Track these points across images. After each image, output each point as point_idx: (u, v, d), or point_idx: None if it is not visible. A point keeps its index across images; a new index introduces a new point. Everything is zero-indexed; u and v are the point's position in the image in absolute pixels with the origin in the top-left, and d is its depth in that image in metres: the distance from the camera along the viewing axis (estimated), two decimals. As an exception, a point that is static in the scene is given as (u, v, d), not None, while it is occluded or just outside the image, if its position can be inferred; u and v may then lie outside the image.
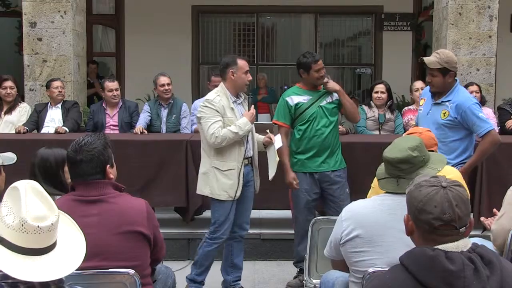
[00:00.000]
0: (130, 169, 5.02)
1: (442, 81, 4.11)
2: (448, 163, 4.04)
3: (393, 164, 2.55)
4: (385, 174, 2.60)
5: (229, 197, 4.13)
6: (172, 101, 6.14)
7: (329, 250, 2.69)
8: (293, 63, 5.64)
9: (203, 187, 4.16)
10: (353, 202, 2.66)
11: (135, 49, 10.51)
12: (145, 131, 5.76)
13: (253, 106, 4.28)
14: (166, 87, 6.06)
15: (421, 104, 4.39)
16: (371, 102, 6.18)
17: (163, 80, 6.09)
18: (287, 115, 4.52)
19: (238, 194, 4.14)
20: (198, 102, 6.22)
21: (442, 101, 4.18)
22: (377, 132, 6.02)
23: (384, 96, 6.07)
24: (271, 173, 4.26)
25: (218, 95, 4.10)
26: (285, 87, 11.46)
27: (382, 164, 2.66)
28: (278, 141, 4.33)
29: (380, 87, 6.15)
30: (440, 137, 4.08)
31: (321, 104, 4.52)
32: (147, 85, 7.78)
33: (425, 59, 4.08)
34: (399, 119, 6.07)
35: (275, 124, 4.57)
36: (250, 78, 4.22)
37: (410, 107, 6.27)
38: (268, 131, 4.38)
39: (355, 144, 5.04)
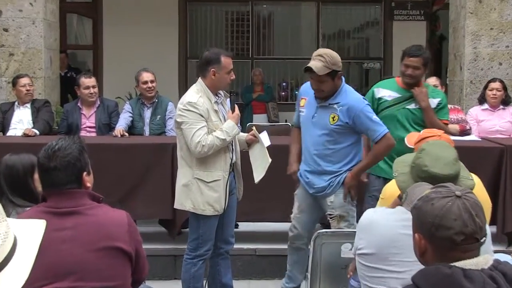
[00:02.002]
0: (109, 176, 5.01)
1: (332, 85, 4.16)
2: (336, 172, 4.19)
3: (441, 180, 2.46)
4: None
5: (215, 211, 4.12)
6: (156, 100, 6.13)
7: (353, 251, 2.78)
8: (292, 57, 5.67)
9: (184, 201, 4.14)
10: (371, 212, 2.69)
11: (115, 41, 10.51)
12: (126, 134, 5.76)
13: (236, 106, 4.29)
14: (150, 85, 6.05)
15: (301, 105, 4.37)
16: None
17: (146, 76, 6.08)
18: (372, 108, 4.54)
19: (225, 207, 4.14)
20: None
21: (330, 104, 4.20)
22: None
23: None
24: (258, 176, 4.23)
25: (200, 95, 4.07)
26: (284, 84, 11.50)
27: (402, 175, 2.69)
28: (265, 138, 4.31)
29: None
30: (328, 145, 4.18)
31: (408, 107, 4.50)
32: (128, 82, 7.78)
33: (312, 66, 4.07)
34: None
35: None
36: (233, 77, 4.20)
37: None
38: (253, 128, 4.39)
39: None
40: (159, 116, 6.09)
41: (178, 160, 4.20)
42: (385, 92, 4.60)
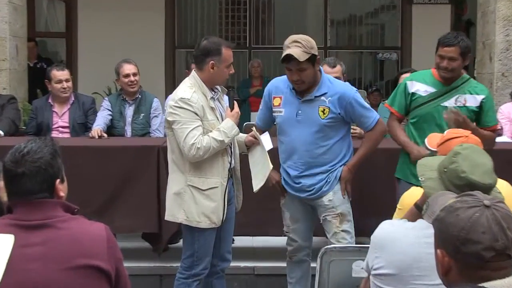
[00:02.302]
0: (84, 184, 5.02)
1: (313, 73, 4.24)
2: (331, 168, 4.30)
3: (480, 190, 2.50)
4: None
5: (212, 223, 4.13)
6: (139, 96, 6.15)
7: (365, 268, 2.79)
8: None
9: (176, 212, 4.14)
10: (388, 225, 2.69)
11: (91, 28, 10.52)
12: (105, 135, 5.76)
13: (235, 103, 4.31)
14: (132, 78, 6.07)
15: (276, 105, 4.40)
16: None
17: (128, 68, 6.09)
18: (402, 102, 4.63)
19: (223, 218, 4.15)
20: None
21: (316, 96, 4.28)
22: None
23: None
24: (257, 184, 4.25)
25: (194, 91, 4.08)
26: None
27: (430, 181, 2.67)
28: (267, 141, 4.33)
29: (408, 77, 6.19)
30: (320, 142, 4.27)
31: (443, 104, 4.53)
32: (107, 75, 7.79)
33: (292, 53, 4.13)
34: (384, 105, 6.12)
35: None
36: (232, 71, 4.24)
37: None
38: (253, 128, 4.41)
39: (376, 151, 5.05)
40: (142, 115, 6.10)
41: (168, 164, 4.21)
42: (420, 86, 4.59)
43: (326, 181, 4.33)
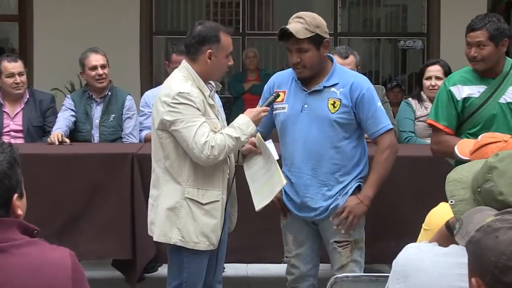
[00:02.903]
0: (43, 200, 5.03)
1: (317, 56, 4.25)
2: (344, 180, 4.29)
3: None
4: None
5: (211, 245, 4.16)
6: (109, 93, 6.17)
7: None
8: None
9: (169, 231, 4.15)
10: (414, 249, 2.68)
11: (50, 9, 10.53)
12: (67, 140, 5.78)
13: (261, 104, 4.37)
14: (100, 71, 6.09)
15: (278, 101, 4.41)
16: (422, 93, 6.25)
17: (95, 59, 6.11)
18: (451, 115, 4.59)
19: (221, 238, 4.18)
20: (151, 95, 6.25)
21: (325, 87, 4.31)
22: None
23: (442, 83, 6.14)
24: (261, 201, 4.24)
25: (191, 85, 4.11)
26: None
27: (462, 203, 2.63)
28: (272, 149, 4.32)
29: (435, 70, 6.23)
30: (330, 142, 4.27)
31: (501, 101, 4.53)
32: (70, 67, 7.81)
33: (290, 28, 4.18)
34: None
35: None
36: (231, 62, 4.29)
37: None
38: (258, 134, 4.40)
39: (398, 160, 5.08)
40: (113, 115, 6.13)
41: (157, 174, 4.21)
42: (470, 89, 4.57)
43: (336, 197, 4.34)
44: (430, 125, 4.72)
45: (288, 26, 4.21)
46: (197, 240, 4.12)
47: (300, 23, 4.21)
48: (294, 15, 4.30)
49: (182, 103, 4.05)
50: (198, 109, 4.07)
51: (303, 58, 4.25)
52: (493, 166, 2.58)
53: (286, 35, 4.22)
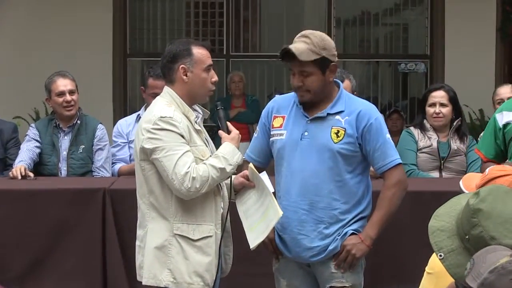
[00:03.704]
0: (4, 240, 5.01)
1: (321, 80, 4.27)
2: (344, 218, 4.29)
3: None
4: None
5: (205, 285, 4.14)
6: (78, 122, 6.15)
7: None
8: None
9: (159, 272, 4.13)
10: None
11: (12, 27, 10.52)
12: (31, 174, 5.77)
13: (230, 124, 4.33)
14: (68, 97, 6.07)
15: (277, 126, 4.42)
16: (425, 121, 6.27)
17: (63, 84, 6.10)
18: (490, 143, 4.63)
19: (216, 278, 4.17)
20: (125, 124, 6.26)
21: (328, 114, 4.32)
22: (436, 174, 6.14)
23: (447, 111, 6.17)
24: (256, 238, 4.23)
25: (174, 109, 4.12)
26: (277, 94, 11.53)
27: (452, 255, 2.60)
28: (267, 181, 4.33)
29: (439, 96, 6.23)
30: (332, 175, 4.27)
31: None
32: (34, 94, 7.80)
33: (293, 48, 4.19)
34: (473, 150, 6.12)
35: None
36: (215, 78, 4.27)
37: (493, 130, 6.37)
38: (250, 165, 4.39)
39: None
40: (82, 147, 6.11)
41: (142, 212, 4.19)
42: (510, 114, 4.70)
43: (335, 237, 4.32)
44: (476, 153, 4.89)
45: (291, 46, 4.22)
46: (191, 280, 4.11)
47: (305, 43, 4.22)
48: (300, 33, 4.30)
49: (163, 128, 4.05)
50: (182, 136, 4.06)
51: (306, 81, 4.26)
52: (477, 209, 2.56)
53: (289, 54, 4.22)
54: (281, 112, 4.45)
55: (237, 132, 4.28)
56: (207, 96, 4.34)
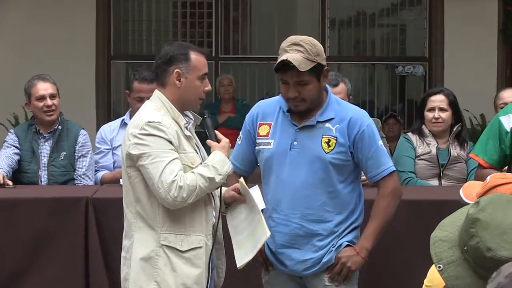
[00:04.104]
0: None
1: (317, 89, 4.30)
2: (336, 230, 4.29)
3: None
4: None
5: None
6: (59, 127, 6.14)
7: None
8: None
9: (145, 285, 4.12)
10: None
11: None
12: (9, 182, 5.76)
13: (218, 133, 4.32)
14: (49, 102, 6.06)
15: (263, 134, 4.44)
16: (424, 127, 6.27)
17: (44, 88, 6.09)
18: (494, 147, 4.65)
19: None
20: (109, 129, 6.27)
21: (318, 122, 4.33)
22: (435, 182, 6.14)
23: (446, 116, 6.18)
24: (243, 256, 4.24)
25: (163, 114, 4.12)
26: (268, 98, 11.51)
27: (451, 266, 2.60)
28: (257, 197, 4.32)
29: (439, 101, 6.24)
30: (323, 187, 4.29)
31: None
32: (13, 98, 7.78)
33: (291, 59, 4.18)
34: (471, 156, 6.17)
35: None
36: (209, 87, 4.28)
37: (495, 135, 6.38)
38: (241, 179, 4.39)
39: (398, 205, 5.09)
40: (64, 153, 6.10)
41: (128, 221, 4.19)
42: None
43: (329, 249, 4.33)
44: (472, 158, 4.86)
45: (288, 57, 4.20)
46: None
47: (300, 52, 4.22)
48: (290, 41, 4.28)
49: (151, 134, 4.05)
50: (171, 142, 4.06)
51: (303, 91, 4.26)
52: (475, 218, 2.56)
53: (284, 65, 4.21)
54: (266, 119, 4.46)
55: (227, 140, 4.27)
56: (198, 104, 4.32)
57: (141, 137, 4.06)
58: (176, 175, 4.01)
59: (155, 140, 4.05)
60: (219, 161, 4.15)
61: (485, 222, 2.54)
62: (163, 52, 4.25)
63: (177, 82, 4.16)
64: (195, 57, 4.20)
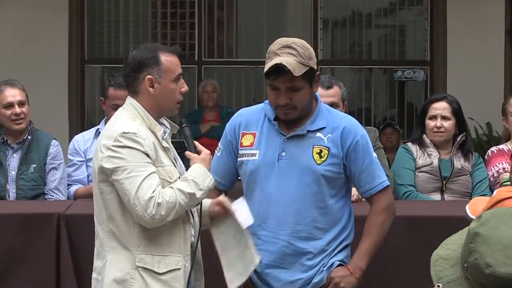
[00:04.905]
0: None
1: (309, 94, 4.32)
2: (327, 248, 4.32)
3: None
4: None
5: None
6: (29, 137, 6.14)
7: None
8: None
9: None
10: None
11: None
12: (-25, 197, 5.76)
13: (197, 143, 4.30)
14: (17, 110, 6.06)
15: (246, 145, 4.44)
16: (425, 136, 6.30)
17: (12, 95, 6.08)
18: None
19: None
20: (82, 140, 6.27)
21: (308, 131, 4.35)
22: (437, 196, 6.15)
23: (449, 124, 6.20)
24: (236, 278, 4.26)
25: (140, 124, 4.10)
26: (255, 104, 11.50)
27: (451, 286, 2.62)
28: (245, 212, 4.32)
29: (441, 108, 6.24)
30: (314, 201, 4.31)
31: None
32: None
33: (285, 62, 4.19)
34: (480, 169, 6.18)
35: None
36: (185, 87, 4.27)
37: (502, 146, 6.42)
38: (225, 198, 4.40)
39: (396, 221, 5.12)
40: (34, 166, 6.10)
41: (100, 240, 4.18)
42: None
43: (319, 269, 4.34)
44: None
45: (281, 60, 4.19)
46: None
47: (293, 55, 4.22)
48: (281, 44, 4.29)
49: (126, 146, 4.03)
50: (147, 155, 4.04)
51: (294, 98, 4.26)
52: (475, 233, 2.57)
53: (277, 68, 4.21)
54: (250, 128, 4.45)
55: (208, 152, 4.26)
56: (176, 108, 4.31)
57: (115, 150, 4.04)
58: (154, 191, 3.98)
59: (131, 153, 4.03)
60: (200, 175, 4.12)
61: (485, 237, 2.55)
62: (130, 58, 4.19)
63: (151, 89, 4.13)
64: (166, 59, 4.17)
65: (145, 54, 4.18)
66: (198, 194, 4.08)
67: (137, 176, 4.00)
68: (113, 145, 4.05)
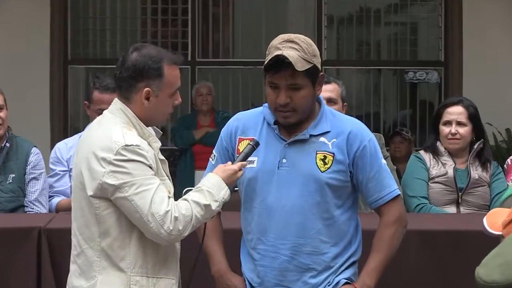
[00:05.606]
0: None
1: (311, 95, 4.32)
2: (333, 265, 4.32)
3: None
4: None
5: None
6: (7, 145, 6.15)
7: None
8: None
9: None
10: None
11: None
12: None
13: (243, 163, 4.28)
14: (-5, 114, 6.09)
15: (244, 150, 4.38)
16: (439, 143, 6.30)
17: (-11, 98, 6.12)
18: None
19: None
20: (65, 147, 6.25)
21: (311, 136, 4.34)
22: (453, 209, 6.15)
23: (465, 131, 6.20)
24: None
25: (137, 134, 4.07)
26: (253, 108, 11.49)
27: None
28: None
29: (457, 113, 6.25)
30: (320, 211, 4.30)
31: None
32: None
33: (287, 55, 4.19)
34: (499, 180, 6.19)
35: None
36: (179, 100, 4.24)
37: (523, 154, 6.40)
38: None
39: (408, 236, 5.12)
40: (12, 176, 6.12)
41: (88, 259, 4.13)
42: None
43: (325, 287, 4.34)
44: None
45: (284, 54, 4.17)
46: None
47: (295, 50, 4.21)
48: (283, 38, 4.28)
49: (130, 159, 3.98)
50: (151, 167, 4.02)
51: (295, 97, 4.24)
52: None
53: (276, 65, 4.21)
54: (248, 133, 4.43)
55: (238, 167, 4.19)
56: (165, 120, 4.34)
57: (119, 164, 3.98)
58: (168, 204, 3.97)
59: (136, 167, 3.98)
60: (215, 185, 4.08)
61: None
62: (130, 62, 4.11)
63: (145, 101, 4.09)
64: (169, 72, 4.11)
65: (148, 63, 4.10)
66: (214, 205, 4.05)
67: (147, 191, 3.96)
68: (115, 159, 3.98)
